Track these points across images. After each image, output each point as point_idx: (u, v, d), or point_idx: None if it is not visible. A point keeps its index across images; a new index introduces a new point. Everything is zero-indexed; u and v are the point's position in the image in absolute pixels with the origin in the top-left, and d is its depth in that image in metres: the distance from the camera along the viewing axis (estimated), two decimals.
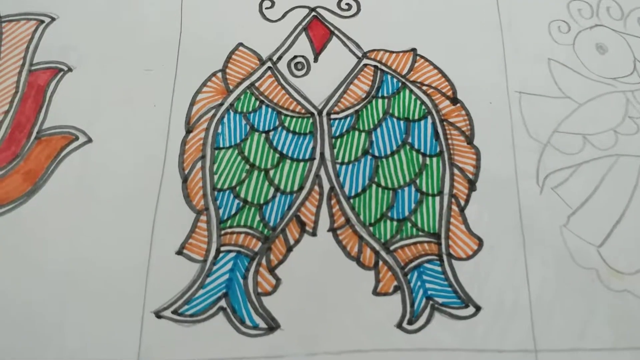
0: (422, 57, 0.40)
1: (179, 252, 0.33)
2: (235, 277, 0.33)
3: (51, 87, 0.37)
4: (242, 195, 0.35)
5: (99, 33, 0.39)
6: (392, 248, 0.34)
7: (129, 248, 0.33)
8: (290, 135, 0.37)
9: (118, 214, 0.34)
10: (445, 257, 0.34)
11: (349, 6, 0.41)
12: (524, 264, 0.34)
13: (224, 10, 0.40)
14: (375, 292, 0.33)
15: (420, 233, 0.35)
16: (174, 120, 0.37)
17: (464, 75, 0.39)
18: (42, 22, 0.39)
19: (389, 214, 0.35)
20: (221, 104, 0.37)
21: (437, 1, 0.42)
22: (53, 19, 0.39)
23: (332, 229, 0.34)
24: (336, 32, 0.40)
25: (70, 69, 0.38)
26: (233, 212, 0.35)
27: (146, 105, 0.37)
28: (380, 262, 0.34)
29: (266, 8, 0.41)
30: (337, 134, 0.37)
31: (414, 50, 0.40)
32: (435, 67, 0.39)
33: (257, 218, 0.34)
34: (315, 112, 0.38)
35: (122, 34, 0.39)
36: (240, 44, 0.39)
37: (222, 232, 0.34)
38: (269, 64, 0.39)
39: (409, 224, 0.35)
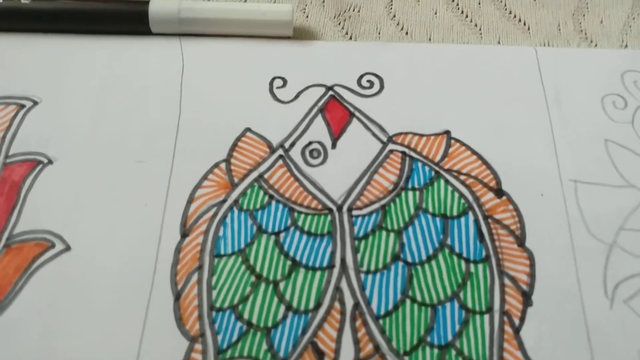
0: (457, 140, 0.34)
1: None
2: None
3: (27, 183, 0.32)
4: (246, 316, 0.29)
5: (85, 119, 0.34)
6: None
7: None
8: (304, 237, 0.31)
9: (97, 339, 0.28)
10: None
11: (371, 84, 0.36)
12: None
13: (229, 91, 0.36)
14: None
15: None
16: (168, 222, 0.31)
17: (508, 161, 0.34)
18: (23, 106, 0.35)
19: (428, 339, 0.28)
20: (224, 201, 0.32)
21: (470, 76, 0.37)
22: (35, 103, 0.35)
23: None
24: (357, 113, 0.35)
25: (50, 161, 0.33)
26: (234, 338, 0.28)
27: (136, 205, 0.32)
28: None
29: (277, 87, 0.36)
30: (361, 234, 0.31)
31: (447, 132, 0.34)
32: (474, 153, 0.34)
33: (264, 346, 0.28)
34: (334, 208, 0.32)
35: (111, 120, 0.35)
36: (248, 129, 0.34)
37: None
38: (280, 151, 0.34)
39: (454, 352, 0.28)
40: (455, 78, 0.37)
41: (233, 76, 0.36)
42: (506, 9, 0.41)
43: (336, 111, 0.35)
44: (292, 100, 0.35)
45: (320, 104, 0.35)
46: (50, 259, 0.30)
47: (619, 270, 0.31)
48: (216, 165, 0.33)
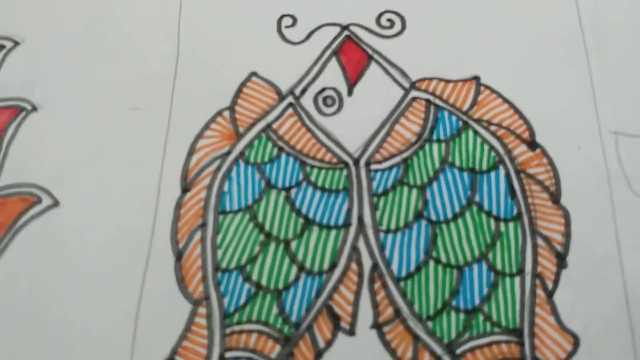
0: (487, 87, 0.31)
1: (170, 359, 0.25)
2: None
3: (10, 132, 0.29)
4: (255, 277, 0.26)
5: (73, 61, 0.31)
6: (459, 352, 0.25)
7: (103, 351, 0.25)
8: (317, 193, 0.28)
9: (90, 303, 0.26)
10: None
11: (391, 23, 0.33)
12: None
13: (233, 30, 0.32)
14: None
15: (496, 329, 0.26)
16: (167, 176, 0.28)
17: (543, 111, 0.31)
18: (3, 47, 0.31)
19: (454, 303, 0.26)
20: (228, 153, 0.29)
21: (503, 15, 0.33)
22: (17, 43, 0.32)
23: (377, 325, 0.26)
24: (376, 56, 0.32)
25: (34, 108, 0.30)
26: (242, 302, 0.26)
27: (131, 156, 0.29)
28: None
29: (286, 27, 0.32)
30: (380, 190, 0.28)
31: (476, 78, 0.31)
32: (505, 101, 0.31)
33: (275, 310, 0.26)
34: (351, 162, 0.29)
35: (102, 62, 0.31)
36: (254, 74, 0.31)
37: (227, 330, 0.25)
38: (290, 99, 0.30)
39: (481, 317, 0.26)
40: (486, 17, 0.33)
41: (237, 14, 0.33)
42: None
43: (352, 54, 0.32)
44: (302, 41, 0.32)
45: (334, 45, 0.32)
46: (37, 215, 0.27)
47: None
48: (219, 113, 0.30)
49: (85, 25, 0.32)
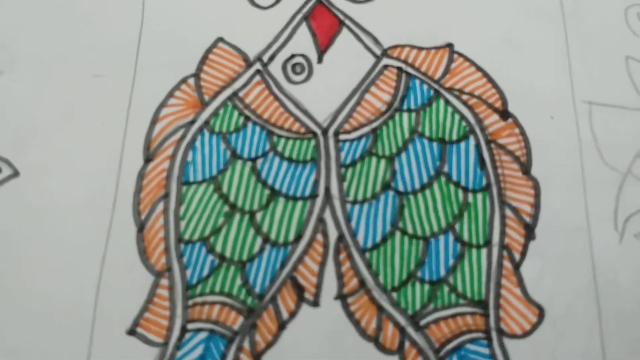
0: (460, 55, 0.30)
1: (131, 332, 0.24)
2: None
3: None
4: (218, 249, 0.26)
5: (34, 26, 0.30)
6: (422, 323, 0.25)
7: (64, 323, 0.25)
8: (284, 164, 0.28)
9: (51, 275, 0.25)
10: (494, 334, 0.25)
11: None
12: (600, 342, 0.26)
13: None
14: None
15: (461, 301, 0.26)
16: (129, 145, 0.28)
17: (516, 80, 0.30)
18: None
19: (419, 274, 0.26)
20: (193, 122, 0.28)
21: None
22: None
23: (341, 296, 0.25)
24: (347, 21, 0.31)
25: None
26: (205, 273, 0.25)
27: (93, 124, 0.28)
28: (407, 343, 0.25)
29: None
30: (348, 161, 0.28)
31: (450, 45, 0.30)
32: (479, 69, 0.30)
33: (238, 282, 0.25)
34: (319, 132, 0.28)
35: (63, 26, 0.30)
36: (220, 39, 0.30)
37: (190, 302, 0.25)
38: (257, 66, 0.30)
39: (446, 288, 0.26)
40: None
41: None
42: None
43: (324, 19, 0.31)
44: (272, 5, 0.31)
45: (305, 10, 0.31)
46: None
47: (631, 201, 0.28)
48: (183, 80, 0.29)
49: None
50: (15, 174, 0.27)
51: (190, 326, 0.25)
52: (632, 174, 0.29)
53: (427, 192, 0.27)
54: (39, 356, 0.24)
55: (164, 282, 0.25)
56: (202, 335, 0.25)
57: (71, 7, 0.31)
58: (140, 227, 0.26)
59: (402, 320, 0.25)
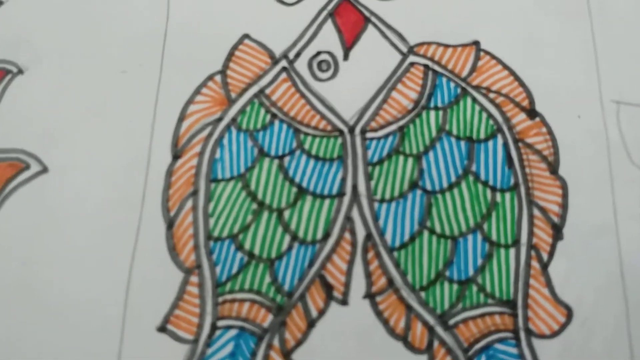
0: (487, 53, 0.30)
1: (161, 329, 0.25)
2: None
3: None
4: (247, 246, 0.26)
5: (61, 22, 0.30)
6: (451, 322, 0.25)
7: (94, 321, 0.25)
8: (311, 162, 0.28)
9: (81, 272, 0.26)
10: (523, 334, 0.25)
11: None
12: (628, 342, 0.26)
13: None
14: None
15: (489, 301, 0.26)
16: (157, 142, 0.28)
17: (543, 78, 0.30)
18: None
19: (447, 274, 0.26)
20: (220, 119, 0.28)
21: None
22: (1, 3, 0.31)
23: (370, 295, 0.25)
24: (373, 18, 0.31)
25: (20, 71, 0.29)
26: (234, 270, 0.26)
27: (120, 121, 0.28)
28: (436, 343, 0.25)
29: None
30: (375, 159, 0.28)
31: (476, 43, 0.30)
32: (505, 67, 0.30)
33: (267, 279, 0.25)
34: (345, 130, 0.28)
35: (90, 23, 0.30)
36: (246, 36, 0.30)
37: (220, 299, 0.25)
38: (283, 63, 0.30)
39: (475, 288, 0.26)
40: None
41: None
42: None
43: (349, 15, 0.31)
44: (297, 2, 0.31)
45: (330, 6, 0.31)
46: (25, 181, 0.27)
47: None
48: (210, 77, 0.29)
49: None
50: (44, 170, 0.27)
51: (220, 323, 0.25)
52: None
53: (455, 191, 0.27)
54: (70, 354, 0.24)
55: (194, 279, 0.25)
56: (232, 332, 0.25)
57: (96, 3, 0.31)
58: (170, 224, 0.26)
59: (430, 320, 0.25)
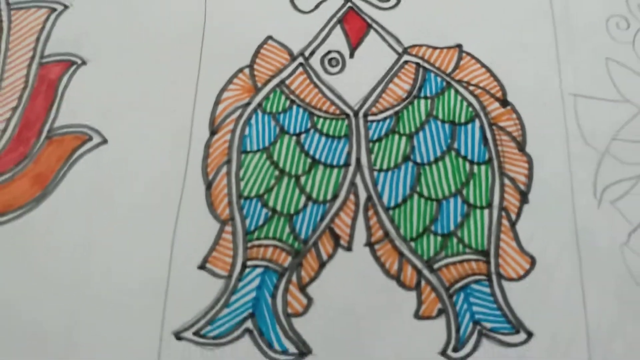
0: (468, 54, 0.36)
1: (202, 267, 0.30)
2: (263, 296, 0.30)
3: (63, 81, 0.34)
4: (271, 204, 0.32)
5: (116, 22, 0.36)
6: (436, 266, 0.31)
7: (147, 260, 0.30)
8: (323, 139, 0.34)
9: (135, 223, 0.31)
10: (494, 277, 0.31)
11: None
12: (581, 286, 0.31)
13: (252, 0, 0.37)
14: (417, 316, 0.30)
15: (467, 250, 0.31)
16: (197, 121, 0.33)
17: (514, 74, 0.36)
18: (54, 10, 0.36)
19: (433, 228, 0.32)
20: (248, 104, 0.34)
21: None
22: (66, 7, 0.36)
23: (369, 244, 0.31)
24: (374, 25, 0.37)
25: (84, 62, 0.35)
26: (261, 222, 0.31)
27: (167, 104, 0.34)
28: (423, 282, 0.31)
29: None
30: (375, 137, 0.34)
31: (459, 46, 0.36)
32: (483, 65, 0.36)
33: (287, 230, 0.31)
34: (351, 113, 0.34)
35: (141, 24, 0.36)
36: (270, 37, 0.36)
37: (249, 244, 0.31)
38: (300, 59, 0.36)
39: (455, 240, 0.32)
40: None
41: None
42: None
43: (354, 22, 0.37)
44: (312, 10, 0.37)
45: (339, 14, 0.37)
46: (89, 150, 0.33)
47: (608, 175, 0.34)
48: (240, 70, 0.35)
49: None
50: (104, 141, 0.33)
51: (249, 263, 0.31)
52: (609, 153, 0.34)
53: (440, 163, 0.33)
54: (124, 283, 0.30)
55: (228, 228, 0.31)
56: (259, 270, 0.30)
57: (146, 8, 0.36)
58: (208, 186, 0.32)
59: (419, 264, 0.31)
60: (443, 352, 0.29)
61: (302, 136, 0.34)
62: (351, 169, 0.33)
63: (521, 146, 0.34)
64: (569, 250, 0.32)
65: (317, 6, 0.37)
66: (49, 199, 0.32)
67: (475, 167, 0.33)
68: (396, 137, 0.34)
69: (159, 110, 0.34)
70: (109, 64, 0.35)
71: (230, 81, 0.35)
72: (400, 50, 0.36)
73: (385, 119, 0.34)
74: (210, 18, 0.36)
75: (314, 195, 0.32)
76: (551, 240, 0.32)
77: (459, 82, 0.35)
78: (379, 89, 0.35)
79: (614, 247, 0.32)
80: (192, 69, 0.35)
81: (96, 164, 0.32)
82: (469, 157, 0.33)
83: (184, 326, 0.29)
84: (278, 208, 0.32)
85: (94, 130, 0.33)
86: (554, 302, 0.30)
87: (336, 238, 0.31)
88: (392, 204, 0.32)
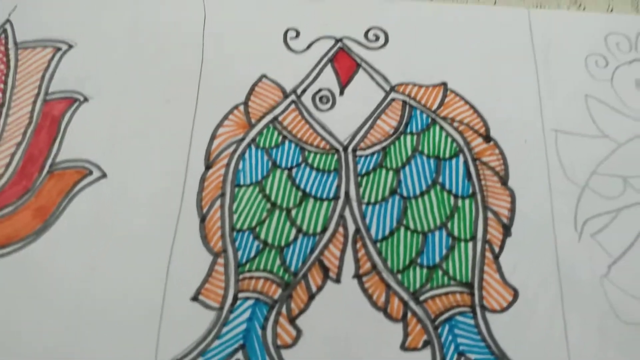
0: (453, 91, 0.38)
1: (194, 298, 0.31)
2: (254, 327, 0.31)
3: (66, 118, 0.36)
4: (262, 236, 0.33)
5: (117, 62, 0.38)
6: (421, 298, 0.32)
7: (142, 291, 0.31)
8: (313, 173, 0.35)
9: (132, 255, 0.32)
10: (478, 309, 0.32)
11: (377, 37, 0.39)
12: (562, 318, 0.32)
13: (247, 40, 0.39)
14: (404, 347, 0.31)
15: (452, 282, 0.33)
16: (193, 155, 0.35)
17: (497, 111, 0.37)
18: (59, 49, 0.38)
19: (419, 260, 0.33)
20: (242, 139, 0.36)
21: (468, 33, 0.40)
22: (70, 47, 0.38)
23: (358, 276, 0.32)
24: (363, 64, 0.39)
25: (86, 99, 0.37)
26: (252, 255, 0.33)
27: (164, 138, 0.35)
28: (409, 314, 0.32)
29: (291, 38, 0.39)
30: (363, 171, 0.35)
31: (444, 84, 0.38)
32: (467, 103, 0.38)
33: (278, 262, 0.32)
34: (341, 148, 0.36)
35: (141, 63, 0.38)
36: (264, 76, 0.38)
37: (240, 276, 0.32)
38: (292, 97, 0.37)
39: (440, 272, 0.33)
40: (454, 35, 0.40)
41: (251, 27, 0.39)
42: None
43: (344, 61, 0.39)
44: (304, 51, 0.39)
45: (330, 54, 0.39)
46: (89, 184, 0.34)
47: (588, 208, 0.35)
48: (235, 107, 0.37)
49: (126, 32, 0.39)
50: (104, 175, 0.34)
51: (240, 295, 0.32)
52: (588, 187, 0.36)
53: (426, 197, 0.35)
54: (120, 313, 0.31)
55: (221, 261, 0.32)
56: (250, 302, 0.31)
57: (145, 46, 0.38)
58: (202, 219, 0.33)
59: (405, 296, 0.32)
60: None
61: (294, 170, 0.35)
62: (340, 202, 0.34)
63: (504, 180, 0.35)
64: (551, 282, 0.33)
65: (309, 46, 0.39)
66: (49, 232, 0.33)
67: (460, 201, 0.35)
68: (383, 171, 0.35)
69: (156, 145, 0.35)
70: (110, 101, 0.36)
71: (225, 117, 0.36)
72: (387, 88, 0.38)
73: (373, 154, 0.36)
74: (208, 57, 0.38)
75: (304, 227, 0.33)
76: (533, 273, 0.33)
77: (444, 118, 0.37)
78: (367, 125, 0.37)
79: (595, 280, 0.33)
80: (189, 106, 0.36)
81: (96, 197, 0.34)
82: (454, 191, 0.35)
83: (177, 357, 0.30)
84: (269, 240, 0.33)
85: (94, 165, 0.35)
86: (536, 333, 0.31)
87: (325, 270, 0.32)
88: (380, 236, 0.33)
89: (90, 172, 0.34)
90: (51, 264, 0.32)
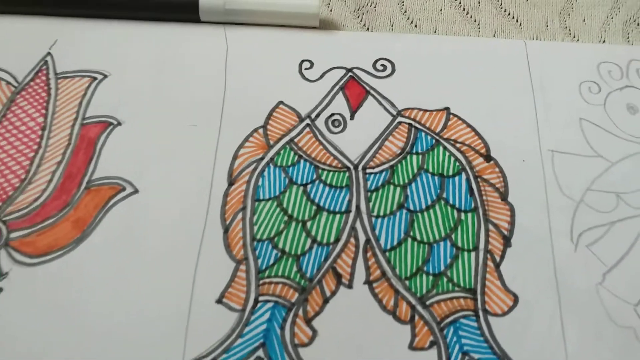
0: (455, 115, 0.41)
1: (219, 301, 0.34)
2: (273, 328, 0.33)
3: (101, 140, 0.39)
4: (280, 245, 0.36)
5: (148, 90, 0.41)
6: (428, 303, 0.34)
7: (171, 295, 0.34)
8: (327, 189, 0.38)
9: (161, 262, 0.35)
10: (481, 313, 0.34)
11: (384, 67, 0.43)
12: (560, 321, 0.34)
13: (266, 71, 0.43)
14: (412, 347, 0.33)
15: (456, 288, 0.35)
16: (217, 173, 0.38)
17: (497, 133, 0.40)
18: (95, 79, 0.42)
19: (425, 268, 0.35)
20: (262, 158, 0.39)
21: (469, 63, 0.43)
22: (105, 76, 0.42)
23: (368, 282, 0.35)
24: (372, 91, 0.42)
25: (119, 123, 0.40)
26: (271, 262, 0.35)
27: (191, 159, 0.39)
28: (417, 317, 0.34)
29: (305, 69, 0.43)
30: (373, 187, 0.38)
31: (447, 109, 0.41)
32: (469, 126, 0.41)
33: (295, 269, 0.35)
34: (351, 167, 0.39)
35: (169, 91, 0.41)
36: (281, 102, 0.41)
37: (261, 282, 0.35)
38: (307, 121, 0.41)
39: (445, 279, 0.35)
40: (456, 65, 0.43)
41: (269, 58, 0.43)
42: (501, 7, 0.48)
43: (354, 89, 0.42)
44: (317, 79, 0.42)
45: (341, 83, 0.42)
46: (122, 199, 0.37)
47: (583, 221, 0.37)
48: (255, 130, 0.40)
49: (155, 62, 0.42)
50: (136, 191, 0.38)
51: (261, 298, 0.34)
52: (584, 202, 0.38)
53: (431, 211, 0.37)
54: (150, 315, 0.33)
55: (242, 267, 0.35)
56: (269, 305, 0.34)
57: (173, 76, 0.42)
58: (226, 230, 0.36)
59: (412, 300, 0.35)
60: None
61: (309, 186, 0.38)
62: (352, 215, 0.37)
63: (504, 196, 0.38)
64: (549, 289, 0.35)
65: (322, 76, 0.43)
66: (86, 241, 0.36)
67: (463, 215, 0.37)
68: (391, 187, 0.38)
69: (183, 164, 0.38)
70: (141, 125, 0.40)
71: (246, 139, 0.40)
72: (394, 112, 0.41)
73: (381, 171, 0.39)
74: (230, 86, 0.42)
75: (319, 238, 0.36)
76: (532, 280, 0.35)
77: (447, 140, 0.40)
78: (376, 146, 0.40)
79: (590, 286, 0.35)
80: (213, 129, 0.40)
81: (128, 210, 0.37)
82: (457, 205, 0.38)
83: (203, 354, 0.32)
84: (287, 249, 0.36)
85: (126, 182, 0.38)
86: (536, 336, 0.33)
87: (338, 277, 0.35)
88: (389, 246, 0.36)
89: (124, 188, 0.38)
90: (88, 270, 0.35)
